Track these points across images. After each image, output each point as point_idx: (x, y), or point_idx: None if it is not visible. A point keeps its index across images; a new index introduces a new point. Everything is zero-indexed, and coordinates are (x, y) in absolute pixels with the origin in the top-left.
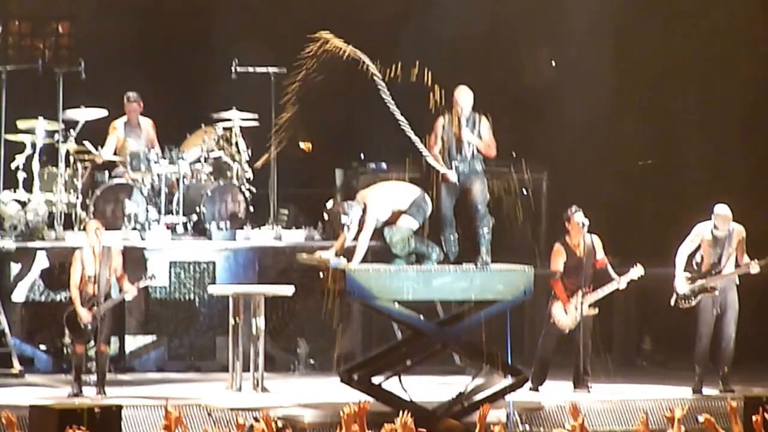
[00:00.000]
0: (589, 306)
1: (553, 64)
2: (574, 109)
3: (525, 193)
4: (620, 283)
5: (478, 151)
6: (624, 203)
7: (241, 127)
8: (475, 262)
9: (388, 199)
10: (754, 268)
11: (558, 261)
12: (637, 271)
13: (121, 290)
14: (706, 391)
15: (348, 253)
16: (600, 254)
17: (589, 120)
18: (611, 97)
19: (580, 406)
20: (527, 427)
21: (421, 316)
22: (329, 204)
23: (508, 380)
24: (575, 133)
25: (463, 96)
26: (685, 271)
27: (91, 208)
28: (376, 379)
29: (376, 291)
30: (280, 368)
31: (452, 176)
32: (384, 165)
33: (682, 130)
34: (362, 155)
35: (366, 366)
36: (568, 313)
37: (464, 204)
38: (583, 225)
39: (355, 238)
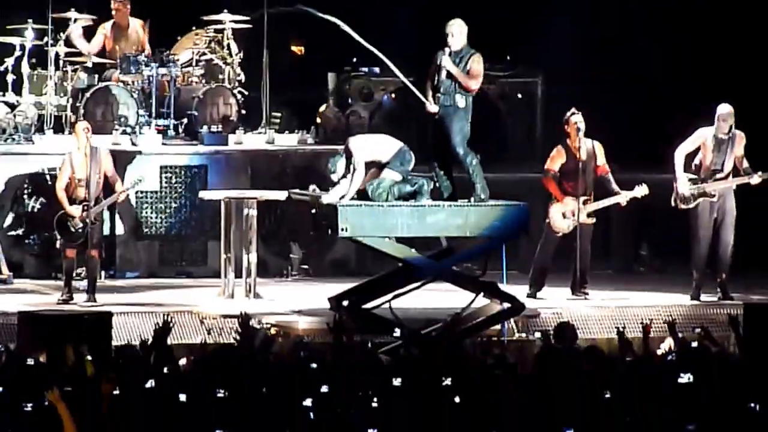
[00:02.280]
0: (588, 215)
1: None
2: (570, 10)
3: (519, 97)
4: (623, 198)
5: (460, 86)
6: (621, 107)
7: (233, 30)
8: (471, 198)
9: (370, 146)
10: (755, 179)
11: (555, 161)
12: (641, 191)
13: (113, 192)
14: (705, 297)
15: None
16: (601, 160)
17: (585, 21)
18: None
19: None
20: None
21: (413, 250)
22: (322, 108)
23: (505, 305)
24: (571, 35)
25: (454, 29)
26: (685, 172)
27: (81, 111)
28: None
29: (368, 227)
30: (273, 274)
31: (431, 108)
32: (376, 69)
33: (684, 31)
34: (355, 59)
35: (355, 293)
36: (565, 218)
37: (444, 141)
38: (579, 128)
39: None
